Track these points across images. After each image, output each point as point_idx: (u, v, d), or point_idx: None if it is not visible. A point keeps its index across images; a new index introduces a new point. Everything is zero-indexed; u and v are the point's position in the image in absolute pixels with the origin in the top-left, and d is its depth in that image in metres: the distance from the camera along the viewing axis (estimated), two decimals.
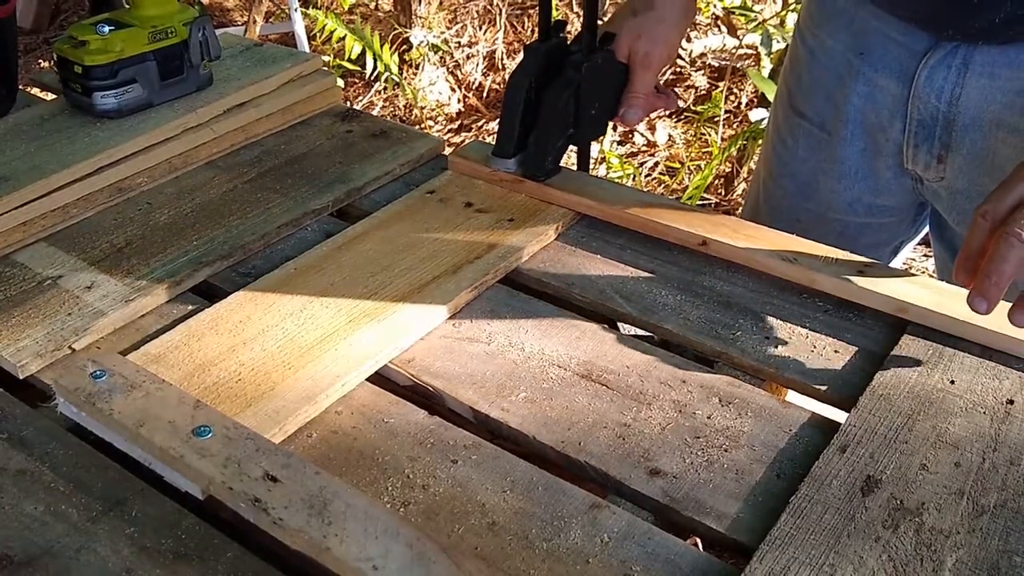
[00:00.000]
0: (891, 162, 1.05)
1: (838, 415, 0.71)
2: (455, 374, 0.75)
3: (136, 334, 0.80)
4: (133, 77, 1.03)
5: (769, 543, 0.59)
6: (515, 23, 3.24)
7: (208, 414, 0.65)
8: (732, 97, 2.80)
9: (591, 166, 1.03)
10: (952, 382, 0.72)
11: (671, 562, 0.60)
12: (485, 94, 3.12)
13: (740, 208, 1.44)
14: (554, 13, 0.96)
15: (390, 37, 3.11)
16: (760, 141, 2.37)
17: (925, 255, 2.31)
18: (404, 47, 3.15)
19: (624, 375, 0.75)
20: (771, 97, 2.14)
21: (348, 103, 2.75)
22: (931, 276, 0.93)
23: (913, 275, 0.82)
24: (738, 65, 2.86)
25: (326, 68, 1.17)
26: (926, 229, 1.17)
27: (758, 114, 2.55)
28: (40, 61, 3.38)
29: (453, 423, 0.71)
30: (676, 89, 2.89)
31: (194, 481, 0.62)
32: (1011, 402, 0.70)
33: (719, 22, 2.97)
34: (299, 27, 2.96)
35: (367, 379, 0.75)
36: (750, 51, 2.89)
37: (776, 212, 1.18)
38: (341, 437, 0.70)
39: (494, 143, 0.98)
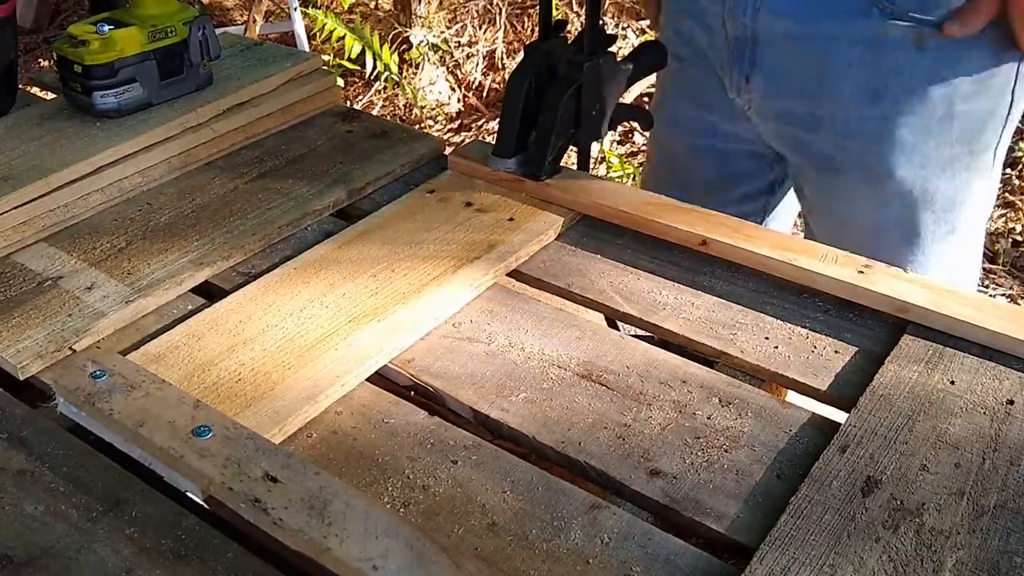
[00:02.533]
0: (722, 85, 1.11)
1: (838, 415, 0.71)
2: (455, 374, 0.75)
3: (136, 334, 0.80)
4: (133, 76, 1.03)
5: (769, 543, 0.59)
6: (515, 23, 3.24)
7: (208, 414, 0.65)
8: None
9: (591, 166, 1.03)
10: (952, 382, 0.72)
11: (671, 563, 0.60)
12: (485, 94, 3.12)
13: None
14: (554, 13, 0.96)
15: (390, 37, 3.11)
16: None
17: None
18: (404, 47, 3.15)
19: (624, 375, 0.75)
20: None
21: (348, 103, 2.75)
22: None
23: (913, 275, 0.82)
24: None
25: (326, 68, 1.17)
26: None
27: None
28: (40, 61, 3.38)
29: (453, 423, 0.71)
30: None
31: (194, 481, 0.62)
32: (1011, 402, 0.70)
33: None
34: (299, 26, 2.96)
35: (367, 379, 0.75)
36: None
37: (662, 155, 1.26)
38: (341, 437, 0.70)
39: (494, 143, 0.98)
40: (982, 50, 0.97)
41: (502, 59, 3.15)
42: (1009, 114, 1.03)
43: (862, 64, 0.99)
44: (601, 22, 0.97)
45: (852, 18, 0.97)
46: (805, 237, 1.20)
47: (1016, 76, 1.00)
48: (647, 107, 1.17)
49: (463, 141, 2.93)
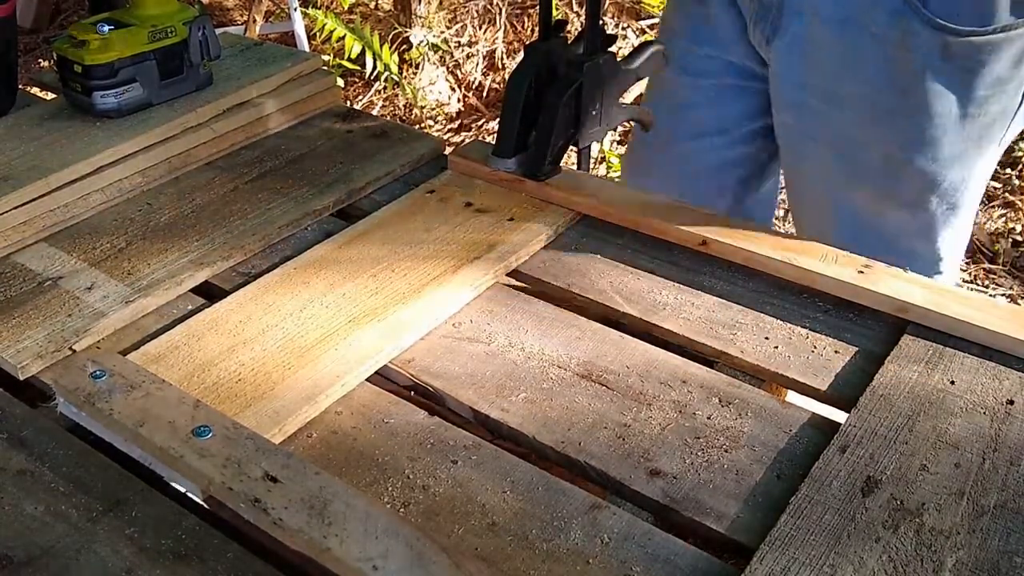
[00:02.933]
0: (743, 29, 1.12)
1: (838, 415, 0.71)
2: (455, 374, 0.75)
3: (136, 334, 0.80)
4: (133, 77, 1.03)
5: (769, 543, 0.59)
6: (515, 23, 3.24)
7: (208, 414, 0.65)
8: None
9: (591, 166, 1.03)
10: (952, 382, 0.72)
11: (671, 563, 0.60)
12: (485, 94, 3.12)
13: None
14: (554, 13, 0.96)
15: (390, 37, 3.11)
16: None
17: None
18: (404, 47, 3.15)
19: (624, 375, 0.75)
20: None
21: (348, 103, 2.75)
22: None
23: (913, 275, 0.82)
24: None
25: (326, 68, 1.17)
26: None
27: None
28: (40, 61, 3.38)
29: (453, 423, 0.71)
30: None
31: (194, 481, 0.62)
32: (1011, 402, 0.70)
33: None
34: (299, 26, 2.96)
35: (367, 379, 0.75)
36: None
37: (659, 87, 1.26)
38: (341, 437, 0.70)
39: (494, 143, 0.98)
40: (1001, 59, 1.01)
41: (502, 59, 3.15)
42: (1017, 112, 1.08)
43: (890, 60, 1.03)
44: (601, 22, 0.97)
45: (886, 15, 1.00)
46: (795, 219, 1.26)
47: (1013, 75, 1.04)
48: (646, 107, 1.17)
49: (463, 141, 2.93)
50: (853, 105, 1.07)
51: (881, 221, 1.13)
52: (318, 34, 3.00)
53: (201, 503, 0.64)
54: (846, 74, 1.06)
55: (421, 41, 3.13)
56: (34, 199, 0.91)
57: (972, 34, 0.99)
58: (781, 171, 1.29)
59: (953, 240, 1.17)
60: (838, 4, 1.03)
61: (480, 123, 3.03)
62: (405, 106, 3.07)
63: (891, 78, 1.04)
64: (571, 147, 0.98)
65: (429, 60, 3.13)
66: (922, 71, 1.02)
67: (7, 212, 0.89)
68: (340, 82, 3.06)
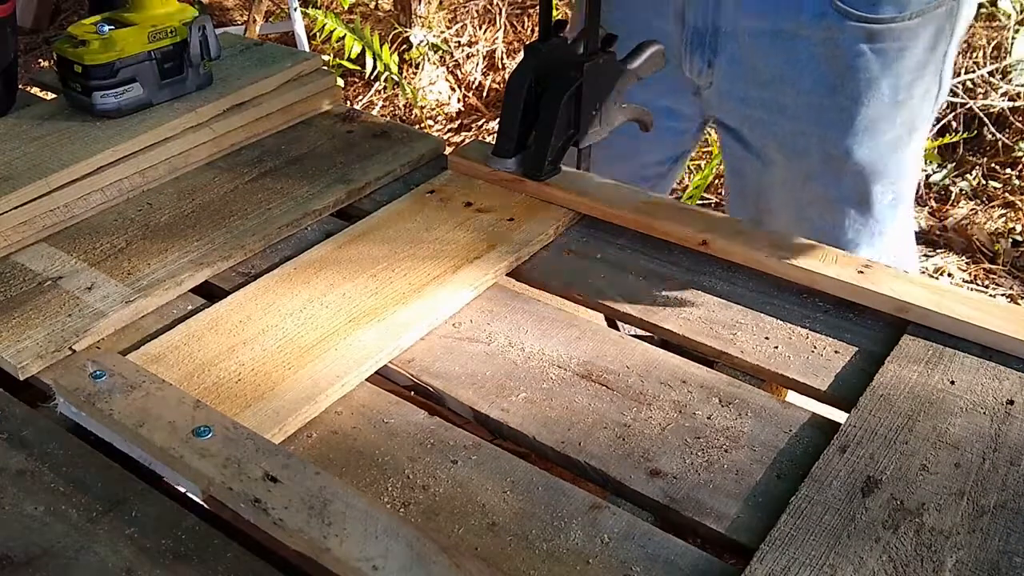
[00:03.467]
0: (674, 65, 1.15)
1: (838, 415, 0.71)
2: (455, 374, 0.75)
3: (136, 334, 0.80)
4: (133, 77, 1.03)
5: (769, 543, 0.59)
6: (515, 23, 3.24)
7: (208, 414, 0.65)
8: None
9: (591, 166, 1.03)
10: (952, 382, 0.72)
11: (671, 563, 0.60)
12: (485, 94, 3.12)
13: None
14: (554, 13, 0.96)
15: (390, 37, 3.11)
16: None
17: (925, 255, 2.31)
18: (404, 47, 3.15)
19: (624, 375, 0.75)
20: None
21: (348, 103, 2.75)
22: (931, 276, 0.94)
23: (913, 275, 0.82)
24: None
25: (326, 68, 1.17)
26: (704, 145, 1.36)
27: None
28: (40, 61, 3.38)
29: (453, 423, 0.71)
30: None
31: (194, 481, 0.62)
32: (1011, 402, 0.70)
33: None
34: (299, 26, 2.96)
35: (367, 379, 0.75)
36: None
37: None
38: (341, 437, 0.70)
39: (494, 143, 0.98)
40: (919, 44, 1.09)
41: (502, 59, 3.15)
42: (939, 93, 1.16)
43: (822, 60, 1.09)
44: (601, 22, 0.97)
45: (811, 18, 1.06)
46: (731, 206, 1.32)
47: (944, 60, 1.13)
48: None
49: (463, 141, 2.93)
50: (795, 111, 1.13)
51: (835, 224, 1.20)
52: (318, 34, 3.00)
53: (201, 503, 0.64)
54: (784, 82, 1.12)
55: (421, 41, 3.13)
56: (34, 199, 0.91)
57: (892, 21, 1.05)
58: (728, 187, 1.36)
59: (902, 236, 1.25)
60: (766, 18, 1.08)
61: (480, 123, 3.03)
62: (405, 106, 3.07)
63: (824, 78, 1.09)
64: (571, 147, 0.98)
65: (429, 60, 3.13)
66: (852, 65, 1.08)
67: (7, 212, 0.89)
68: (340, 82, 3.06)
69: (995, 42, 2.66)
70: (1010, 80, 2.61)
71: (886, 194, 1.19)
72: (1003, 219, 2.41)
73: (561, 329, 0.80)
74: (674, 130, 1.26)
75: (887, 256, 1.22)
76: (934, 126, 2.62)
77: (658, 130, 1.21)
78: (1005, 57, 2.63)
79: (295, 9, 2.94)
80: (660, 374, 0.75)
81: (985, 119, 2.58)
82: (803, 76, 1.10)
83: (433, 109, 3.05)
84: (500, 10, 3.21)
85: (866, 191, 1.18)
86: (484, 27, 3.23)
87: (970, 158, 2.61)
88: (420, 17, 3.18)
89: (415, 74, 3.13)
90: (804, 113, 1.13)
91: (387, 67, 2.99)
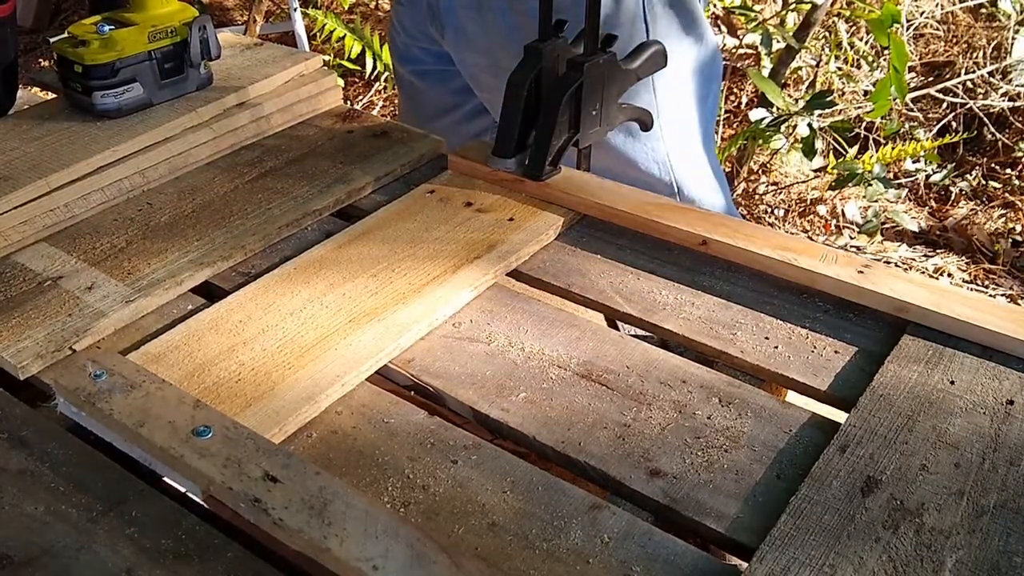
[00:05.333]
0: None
1: (838, 415, 0.71)
2: (455, 374, 0.75)
3: (136, 334, 0.80)
4: (133, 77, 1.03)
5: (769, 543, 0.59)
6: None
7: (208, 414, 0.65)
8: (732, 97, 2.80)
9: (591, 166, 1.03)
10: (952, 382, 0.72)
11: (671, 562, 0.60)
12: None
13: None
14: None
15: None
16: (760, 140, 2.37)
17: (925, 255, 2.31)
18: None
19: (624, 375, 0.75)
20: (771, 97, 2.15)
21: (348, 103, 2.75)
22: (931, 276, 0.94)
23: (913, 275, 0.82)
24: (738, 65, 2.85)
25: (326, 68, 1.17)
26: None
27: (758, 114, 2.56)
28: (40, 60, 3.38)
29: (453, 423, 0.71)
30: None
31: (194, 481, 0.62)
32: (1011, 402, 0.70)
33: (719, 22, 2.97)
34: (299, 27, 2.96)
35: (367, 379, 0.75)
36: (750, 51, 2.89)
37: (400, 86, 1.47)
38: (341, 437, 0.70)
39: (494, 143, 0.98)
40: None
41: None
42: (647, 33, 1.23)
43: (522, 29, 1.16)
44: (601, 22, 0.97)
45: None
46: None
47: (644, 7, 1.20)
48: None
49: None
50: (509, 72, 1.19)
51: (613, 149, 1.27)
52: (318, 34, 3.00)
53: (201, 503, 0.64)
54: (499, 50, 1.22)
55: None
56: (34, 199, 0.91)
57: None
58: None
59: (687, 162, 1.31)
60: None
61: None
62: None
63: (523, 43, 1.12)
64: (571, 147, 0.98)
65: None
66: (518, 29, 1.18)
67: (7, 212, 0.89)
68: (340, 82, 3.06)
69: (995, 42, 2.66)
70: (1010, 80, 2.61)
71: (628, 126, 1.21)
72: (1003, 219, 2.41)
73: (561, 329, 0.80)
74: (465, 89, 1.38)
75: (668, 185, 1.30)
76: (934, 126, 2.62)
77: (454, 77, 1.36)
78: (1005, 57, 2.63)
79: (295, 9, 2.94)
80: (660, 374, 0.75)
81: (985, 119, 2.59)
82: (510, 41, 1.18)
83: None
84: None
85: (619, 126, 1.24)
86: None
87: (970, 158, 2.61)
88: None
89: None
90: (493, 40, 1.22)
91: (387, 67, 2.98)
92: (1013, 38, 2.62)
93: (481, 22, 1.23)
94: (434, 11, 1.27)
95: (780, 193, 2.55)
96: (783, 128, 2.27)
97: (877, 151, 2.44)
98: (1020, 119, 2.58)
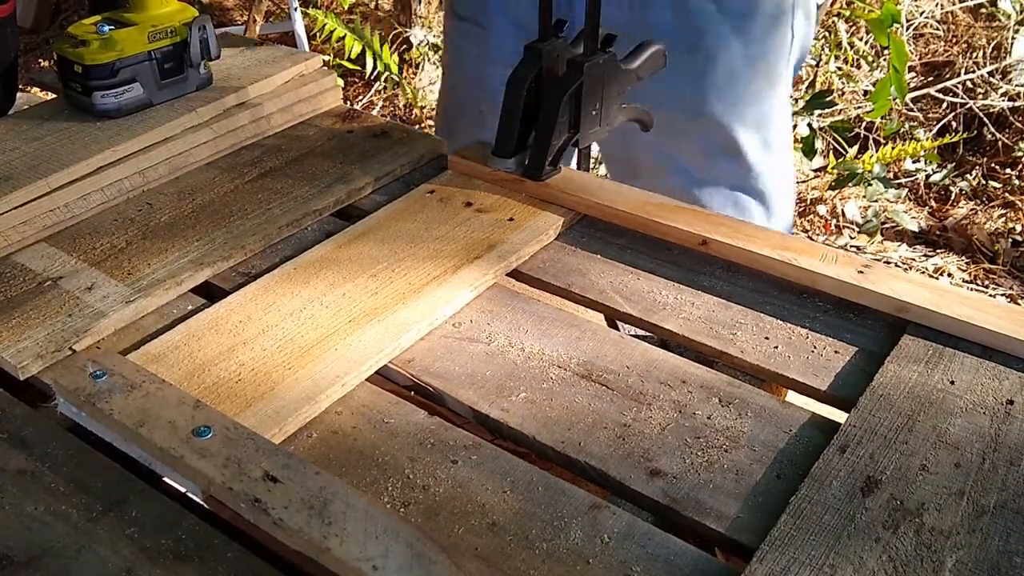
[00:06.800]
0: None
1: (838, 415, 0.71)
2: (455, 374, 0.75)
3: (136, 334, 0.80)
4: (133, 77, 1.03)
5: (769, 543, 0.59)
6: None
7: (208, 414, 0.65)
8: None
9: (591, 166, 1.03)
10: (952, 382, 0.72)
11: (671, 563, 0.60)
12: None
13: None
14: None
15: (390, 37, 3.11)
16: None
17: (925, 255, 2.31)
18: (404, 47, 3.15)
19: (624, 375, 0.75)
20: None
21: (348, 103, 2.75)
22: (931, 276, 0.94)
23: (913, 275, 0.82)
24: None
25: (326, 68, 1.17)
26: None
27: None
28: (40, 61, 3.38)
29: (453, 423, 0.71)
30: None
31: (194, 481, 0.62)
32: (1011, 402, 0.70)
33: None
34: (299, 27, 2.96)
35: (367, 379, 0.75)
36: None
37: (458, 109, 1.39)
38: (341, 437, 0.70)
39: (494, 143, 0.98)
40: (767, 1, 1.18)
41: None
42: (792, 43, 1.23)
43: (674, 25, 1.16)
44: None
45: None
46: (611, 172, 1.37)
47: (792, 12, 1.20)
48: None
49: None
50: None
51: (711, 172, 1.28)
52: (318, 34, 3.00)
53: (201, 503, 0.64)
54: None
55: (421, 41, 3.13)
56: (34, 199, 0.91)
57: None
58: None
59: (777, 179, 1.31)
60: None
61: None
62: (405, 106, 3.07)
63: (678, 39, 1.12)
64: (571, 147, 0.98)
65: (429, 60, 3.13)
66: (702, 26, 1.16)
67: (7, 212, 0.89)
68: (340, 82, 3.06)
69: (995, 42, 2.66)
70: (1010, 80, 2.61)
71: (753, 140, 1.26)
72: (1003, 219, 2.41)
73: (561, 329, 0.80)
74: None
75: (761, 194, 1.30)
76: (934, 125, 2.62)
77: None
78: (1005, 57, 2.63)
79: (295, 9, 2.94)
80: (660, 374, 0.75)
81: (985, 119, 2.59)
82: (658, 38, 1.13)
83: (433, 109, 3.05)
84: None
85: (734, 141, 1.25)
86: None
87: (970, 158, 2.61)
88: (420, 17, 3.18)
89: (415, 74, 3.13)
90: (662, 74, 1.16)
91: (387, 67, 2.99)
92: (1013, 38, 2.62)
93: (625, 14, 1.17)
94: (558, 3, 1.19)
95: None
96: None
97: (877, 151, 2.44)
98: (1020, 119, 2.58)
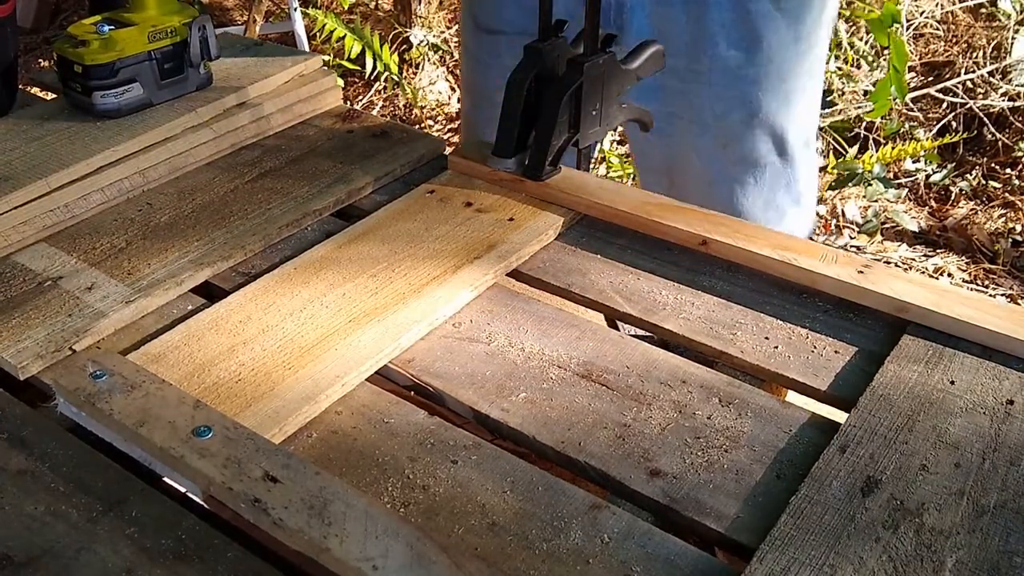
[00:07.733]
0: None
1: (838, 415, 0.71)
2: (455, 374, 0.75)
3: (136, 334, 0.80)
4: (133, 77, 1.03)
5: (769, 543, 0.59)
6: None
7: (208, 414, 0.65)
8: None
9: (591, 166, 1.03)
10: (952, 382, 0.72)
11: (671, 563, 0.60)
12: None
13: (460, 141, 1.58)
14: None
15: (390, 37, 3.11)
16: None
17: (925, 255, 2.31)
18: (404, 47, 3.15)
19: (624, 375, 0.75)
20: None
21: (348, 103, 2.75)
22: (931, 276, 0.94)
23: (913, 275, 0.82)
24: None
25: (326, 68, 1.17)
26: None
27: None
28: (40, 61, 3.38)
29: (453, 423, 0.71)
30: None
31: (194, 481, 0.62)
32: (1011, 402, 0.70)
33: None
34: (299, 26, 2.96)
35: (367, 379, 0.75)
36: None
37: (486, 120, 1.30)
38: (341, 437, 0.70)
39: (494, 143, 0.98)
40: None
41: None
42: (820, 39, 1.23)
43: (733, 25, 1.13)
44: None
45: None
46: (643, 183, 1.34)
47: (823, 7, 1.19)
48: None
49: None
50: (710, 76, 1.16)
51: (760, 177, 1.26)
52: (318, 34, 3.00)
53: (201, 503, 0.64)
54: (697, 49, 1.15)
55: (421, 41, 3.13)
56: (34, 199, 0.91)
57: None
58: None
59: (810, 173, 1.31)
60: None
61: None
62: (405, 106, 3.07)
63: (736, 40, 1.12)
64: (571, 147, 0.98)
65: (429, 60, 3.13)
66: (762, 26, 1.14)
67: (7, 212, 0.89)
68: (340, 82, 3.06)
69: (995, 42, 2.66)
70: (1010, 80, 2.61)
71: (800, 138, 1.25)
72: (1003, 219, 2.41)
73: (561, 329, 0.80)
74: None
75: (798, 193, 1.29)
76: (934, 125, 2.62)
77: None
78: (1005, 57, 2.63)
79: (295, 9, 2.94)
80: (660, 374, 0.75)
81: (985, 119, 2.59)
82: (717, 42, 1.14)
83: (433, 109, 3.05)
84: None
85: (783, 140, 1.23)
86: None
87: (970, 158, 2.61)
88: (420, 17, 3.18)
89: (415, 74, 3.13)
90: (720, 77, 1.16)
91: (387, 67, 2.99)
92: (1013, 38, 2.62)
93: (680, 14, 1.14)
94: (606, 12, 1.14)
95: None
96: None
97: (877, 151, 2.44)
98: (1020, 119, 2.58)
